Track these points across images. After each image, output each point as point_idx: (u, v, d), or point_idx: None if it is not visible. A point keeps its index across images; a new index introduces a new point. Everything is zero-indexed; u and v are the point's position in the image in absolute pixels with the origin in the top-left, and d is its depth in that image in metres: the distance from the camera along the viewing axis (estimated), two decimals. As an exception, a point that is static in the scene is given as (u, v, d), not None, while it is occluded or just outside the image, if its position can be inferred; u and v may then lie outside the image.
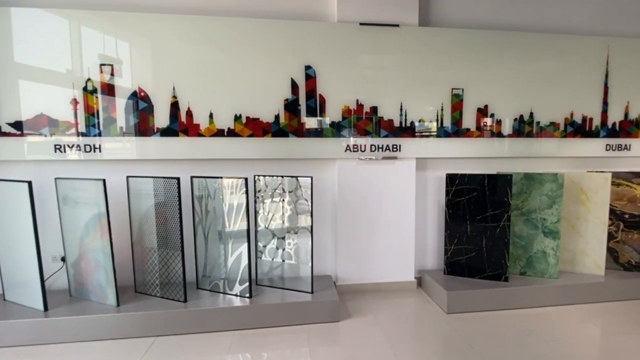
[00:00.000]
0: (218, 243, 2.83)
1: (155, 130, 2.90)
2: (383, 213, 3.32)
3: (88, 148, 2.85)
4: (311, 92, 3.08)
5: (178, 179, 2.58)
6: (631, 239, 3.32)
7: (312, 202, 2.80)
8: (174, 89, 2.89)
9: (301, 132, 3.09)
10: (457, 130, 3.32)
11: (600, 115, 3.54)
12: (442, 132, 3.31)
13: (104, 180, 2.50)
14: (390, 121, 3.22)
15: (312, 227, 2.82)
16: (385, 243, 3.35)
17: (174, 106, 2.90)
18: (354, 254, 3.32)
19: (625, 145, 3.62)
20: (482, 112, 3.35)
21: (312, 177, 2.79)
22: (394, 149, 3.25)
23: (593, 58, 3.48)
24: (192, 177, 2.84)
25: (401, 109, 3.22)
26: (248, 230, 2.70)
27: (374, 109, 3.19)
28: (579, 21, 3.53)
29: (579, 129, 3.51)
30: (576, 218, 3.27)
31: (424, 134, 3.28)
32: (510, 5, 3.43)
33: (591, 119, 3.52)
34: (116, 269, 2.68)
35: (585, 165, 3.65)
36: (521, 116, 3.41)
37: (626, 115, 3.58)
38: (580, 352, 2.36)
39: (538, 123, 3.44)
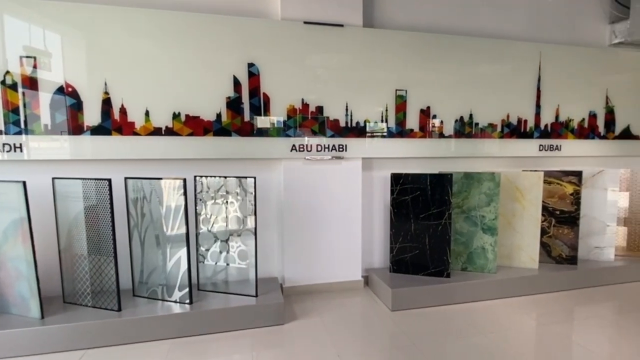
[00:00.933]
0: (156, 248, 2.68)
1: (86, 128, 2.71)
2: (330, 213, 3.31)
3: (8, 147, 2.61)
4: (255, 90, 3.00)
5: (109, 180, 2.42)
6: (562, 234, 3.52)
7: (255, 203, 2.73)
8: (105, 84, 2.71)
9: (245, 131, 3.01)
10: (401, 131, 3.38)
11: (534, 117, 3.74)
12: (387, 133, 3.35)
13: (24, 183, 2.29)
14: (336, 121, 3.21)
15: (255, 228, 2.75)
16: (332, 243, 3.34)
17: (106, 103, 2.72)
18: (301, 255, 3.29)
19: (557, 145, 3.84)
20: (425, 113, 3.43)
21: (255, 178, 2.71)
22: (340, 149, 3.25)
23: (527, 63, 3.67)
24: (126, 179, 2.68)
25: (347, 109, 3.23)
26: (187, 234, 2.58)
27: (320, 109, 3.17)
28: (513, 28, 3.71)
29: (514, 130, 3.69)
30: (512, 215, 3.42)
31: (375, 134, 3.31)
32: (451, 11, 3.54)
33: (526, 121, 3.71)
34: (41, 278, 2.47)
35: (521, 165, 3.84)
36: (461, 117, 3.53)
37: (557, 117, 3.81)
38: (516, 342, 2.46)
39: (477, 124, 3.58)
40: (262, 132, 3.05)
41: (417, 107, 3.41)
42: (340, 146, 3.24)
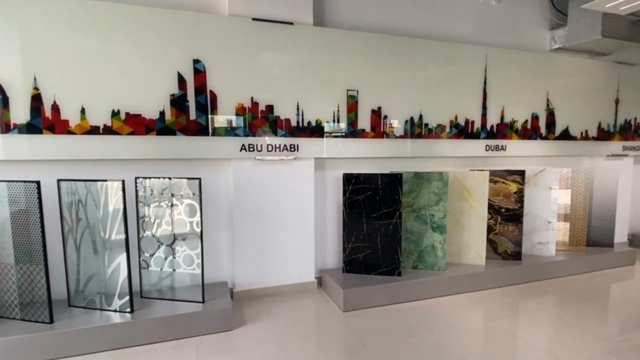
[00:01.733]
0: (93, 254, 2.52)
1: (12, 126, 2.49)
2: (282, 214, 3.25)
3: None
4: (201, 88, 2.89)
5: (38, 182, 2.24)
6: (507, 231, 3.66)
7: (201, 206, 2.63)
8: (35, 79, 2.51)
9: (190, 130, 2.89)
10: (353, 131, 3.38)
11: (481, 119, 3.86)
12: (339, 133, 3.34)
13: (-64, 186, 2.08)
14: (288, 120, 3.16)
15: (201, 232, 2.64)
16: (285, 245, 3.28)
17: (36, 99, 2.52)
18: (253, 258, 3.21)
19: (502, 145, 3.99)
20: (377, 113, 3.45)
21: (200, 179, 2.61)
22: (292, 149, 3.20)
23: (474, 66, 3.78)
24: (58, 181, 2.49)
25: (298, 109, 3.18)
26: (126, 239, 2.44)
27: (270, 108, 3.10)
28: (461, 31, 3.82)
29: (462, 130, 3.79)
30: (460, 213, 3.51)
31: (328, 134, 3.28)
32: (401, 12, 3.58)
33: (473, 122, 3.83)
34: (-41, 291, 2.25)
35: (469, 165, 3.95)
36: (412, 118, 3.58)
37: (502, 118, 3.95)
38: (463, 338, 2.51)
39: (427, 125, 3.64)
40: (210, 131, 2.94)
41: (368, 108, 3.42)
42: (292, 146, 3.19)
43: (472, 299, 3.20)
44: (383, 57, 3.42)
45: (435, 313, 2.91)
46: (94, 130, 2.65)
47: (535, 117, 4.11)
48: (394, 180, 3.16)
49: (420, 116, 3.61)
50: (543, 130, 4.17)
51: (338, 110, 3.31)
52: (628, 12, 3.15)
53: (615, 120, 4.56)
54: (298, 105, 3.18)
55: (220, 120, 2.97)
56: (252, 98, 3.04)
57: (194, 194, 2.63)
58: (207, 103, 2.92)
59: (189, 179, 2.63)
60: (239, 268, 3.17)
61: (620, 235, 4.68)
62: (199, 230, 2.64)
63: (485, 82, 3.83)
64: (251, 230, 3.17)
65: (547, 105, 4.15)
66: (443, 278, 3.24)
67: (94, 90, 2.63)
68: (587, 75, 4.34)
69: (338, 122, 3.32)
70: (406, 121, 3.56)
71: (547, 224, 3.77)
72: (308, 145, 3.24)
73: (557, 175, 3.73)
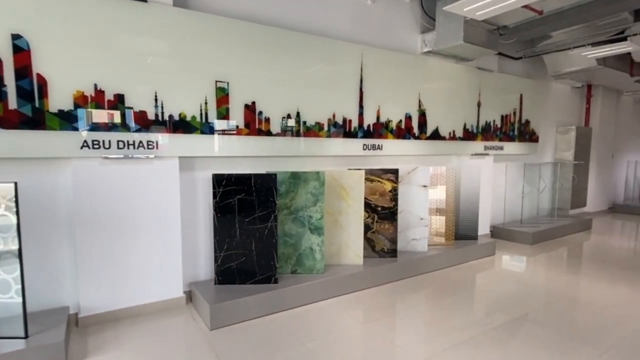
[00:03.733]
0: None
1: None
2: (140, 222, 2.81)
3: None
4: (24, 70, 2.32)
5: None
6: (384, 229, 3.70)
7: (18, 217, 2.08)
8: None
9: (10, 122, 2.30)
10: (224, 127, 3.07)
11: (358, 118, 3.85)
12: (207, 128, 3.00)
13: None
14: (143, 113, 2.73)
15: (20, 250, 2.10)
16: (145, 257, 2.84)
17: None
18: (103, 276, 2.70)
19: (378, 145, 4.04)
20: (250, 109, 3.19)
21: (16, 183, 2.07)
22: (150, 146, 2.77)
23: (351, 64, 3.75)
24: None
25: (156, 100, 2.77)
26: None
27: (120, 98, 2.64)
28: (339, 27, 3.76)
29: (340, 129, 3.73)
30: (339, 213, 3.44)
31: (200, 130, 2.91)
32: (278, 2, 3.38)
33: (350, 121, 3.80)
34: None
35: (348, 164, 3.92)
36: (289, 115, 3.40)
37: (378, 118, 4.00)
38: (336, 348, 2.38)
39: (305, 123, 3.50)
40: (38, 124, 2.38)
41: (241, 102, 3.14)
42: (150, 143, 2.77)
43: (351, 300, 3.13)
44: (257, 48, 3.17)
45: (312, 320, 2.76)
46: None
47: (408, 118, 4.26)
48: (268, 181, 2.94)
49: (298, 113, 3.45)
50: (416, 130, 4.34)
51: (206, 104, 2.98)
52: (483, 18, 3.38)
53: (477, 122, 4.98)
54: (156, 96, 2.77)
55: (53, 110, 2.42)
56: (95, 85, 2.55)
57: (7, 202, 2.07)
58: (34, 89, 2.36)
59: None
60: (85, 289, 2.65)
61: (484, 228, 5.13)
62: (15, 247, 2.09)
63: (361, 81, 3.83)
64: (100, 243, 2.67)
65: (419, 106, 4.33)
66: (321, 282, 3.11)
67: None
68: (453, 79, 4.64)
69: (206, 116, 2.98)
70: (283, 118, 3.37)
71: (420, 220, 3.92)
72: (170, 142, 2.85)
73: (427, 174, 3.89)
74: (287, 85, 3.37)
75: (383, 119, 4.04)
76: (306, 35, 3.45)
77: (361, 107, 3.86)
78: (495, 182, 5.36)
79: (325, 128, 3.63)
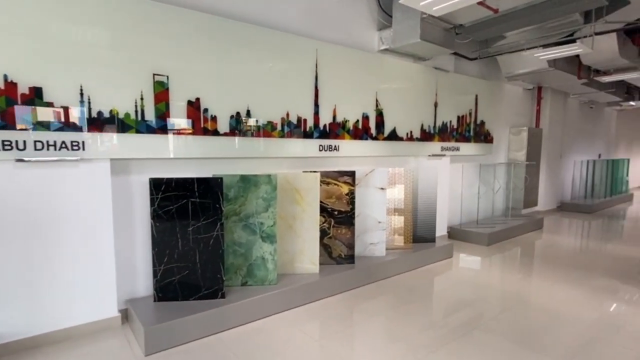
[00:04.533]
0: None
1: None
2: (66, 233, 2.45)
3: None
4: None
5: None
6: (341, 234, 3.52)
7: None
8: None
9: None
10: (163, 125, 2.76)
11: (313, 117, 3.64)
12: (143, 127, 2.68)
13: None
14: (66, 109, 2.38)
15: None
16: (72, 274, 2.49)
17: None
18: (18, 296, 2.33)
19: (335, 145, 3.86)
20: (194, 105, 2.90)
21: None
22: (75, 147, 2.42)
23: (305, 60, 3.54)
24: None
25: (82, 94, 2.43)
26: None
27: (37, 91, 2.28)
28: (293, 21, 3.52)
29: (295, 129, 3.51)
30: (293, 218, 3.22)
31: (136, 129, 2.58)
32: (223, -9, 3.11)
33: (305, 120, 3.58)
34: None
35: (304, 165, 3.71)
36: (238, 113, 3.13)
37: (334, 117, 3.81)
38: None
39: (257, 121, 3.25)
40: None
41: (183, 98, 2.85)
42: (75, 143, 2.42)
43: (306, 313, 2.92)
44: (202, 40, 2.89)
45: (262, 339, 2.52)
46: None
47: (366, 118, 4.10)
48: (213, 185, 2.67)
49: (249, 111, 3.19)
50: (373, 130, 4.20)
51: (142, 99, 2.66)
52: (440, 14, 3.27)
53: (435, 123, 4.92)
54: (82, 90, 2.42)
55: (-53, 104, 2.04)
56: (5, 76, 2.18)
57: None
58: None
59: None
60: (-5, 314, 2.27)
61: (442, 229, 5.09)
62: None
63: (317, 79, 3.63)
64: (15, 257, 2.30)
65: (377, 105, 4.19)
66: (274, 294, 2.88)
67: None
68: (411, 78, 4.55)
69: (142, 113, 2.67)
70: (232, 116, 3.10)
71: (378, 224, 3.77)
72: (100, 143, 2.51)
73: (385, 175, 3.75)
74: (237, 81, 3.11)
75: (340, 119, 3.86)
76: (258, 27, 3.20)
77: (317, 105, 3.65)
78: (452, 183, 5.34)
79: (279, 127, 3.39)
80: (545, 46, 4.60)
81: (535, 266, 4.23)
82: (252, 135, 3.22)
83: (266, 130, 3.31)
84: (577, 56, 5.77)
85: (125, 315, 2.75)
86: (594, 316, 2.91)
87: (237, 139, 3.14)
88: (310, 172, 3.31)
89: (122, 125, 2.58)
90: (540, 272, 3.98)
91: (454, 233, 5.31)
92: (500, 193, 6.16)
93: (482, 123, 5.72)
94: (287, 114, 3.44)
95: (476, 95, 5.53)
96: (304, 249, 3.24)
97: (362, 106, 4.06)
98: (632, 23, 4.39)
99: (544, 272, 3.95)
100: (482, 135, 5.75)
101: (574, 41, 4.38)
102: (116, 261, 2.67)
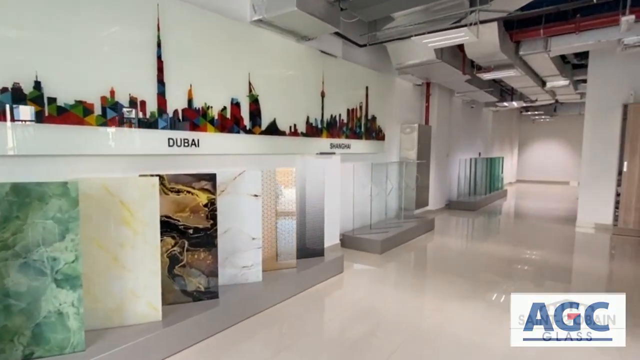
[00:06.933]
0: None
1: None
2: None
3: None
4: None
5: None
6: (198, 260, 2.57)
7: None
8: None
9: None
10: None
11: (157, 99, 2.63)
12: None
13: None
14: None
15: None
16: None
17: None
18: None
19: (194, 140, 2.89)
20: None
21: None
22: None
23: (140, 18, 2.51)
24: None
25: None
26: None
27: None
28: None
29: (127, 114, 2.46)
30: (120, 246, 2.18)
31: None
32: None
33: (144, 102, 2.55)
34: None
35: (144, 167, 2.66)
36: (18, 86, 1.99)
37: (190, 102, 2.84)
38: None
39: (54, 100, 2.13)
40: None
41: None
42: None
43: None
44: None
45: None
46: None
47: (236, 104, 3.21)
48: (-59, 203, 1.53)
49: (38, 83, 2.07)
50: (247, 121, 3.32)
51: None
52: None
53: (322, 116, 4.23)
54: None
55: None
56: None
57: None
58: None
59: None
60: None
61: (334, 237, 4.42)
62: None
63: (159, 46, 2.62)
64: None
65: (250, 90, 3.32)
66: (77, 369, 1.83)
67: None
68: (293, 61, 3.78)
69: None
70: (5, 90, 1.95)
71: (252, 241, 2.91)
72: None
73: (258, 179, 2.90)
74: (18, 37, 1.98)
75: (199, 104, 2.90)
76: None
77: (161, 83, 2.65)
78: (343, 184, 4.70)
79: (97, 111, 2.32)
80: (433, 32, 4.21)
81: (427, 279, 3.77)
82: (47, 121, 2.10)
83: (74, 114, 2.21)
84: (462, 51, 5.64)
85: None
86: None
87: (16, 126, 2.00)
88: (150, 175, 2.32)
89: None
90: (432, 284, 3.53)
91: (347, 241, 4.68)
92: (393, 194, 5.76)
93: (374, 118, 5.24)
94: (112, 92, 2.38)
95: (367, 87, 5.01)
96: (138, 289, 2.22)
97: (231, 90, 3.16)
98: (512, 13, 4.23)
99: (436, 284, 3.49)
100: (373, 132, 5.26)
101: (462, 27, 4.06)
102: None
